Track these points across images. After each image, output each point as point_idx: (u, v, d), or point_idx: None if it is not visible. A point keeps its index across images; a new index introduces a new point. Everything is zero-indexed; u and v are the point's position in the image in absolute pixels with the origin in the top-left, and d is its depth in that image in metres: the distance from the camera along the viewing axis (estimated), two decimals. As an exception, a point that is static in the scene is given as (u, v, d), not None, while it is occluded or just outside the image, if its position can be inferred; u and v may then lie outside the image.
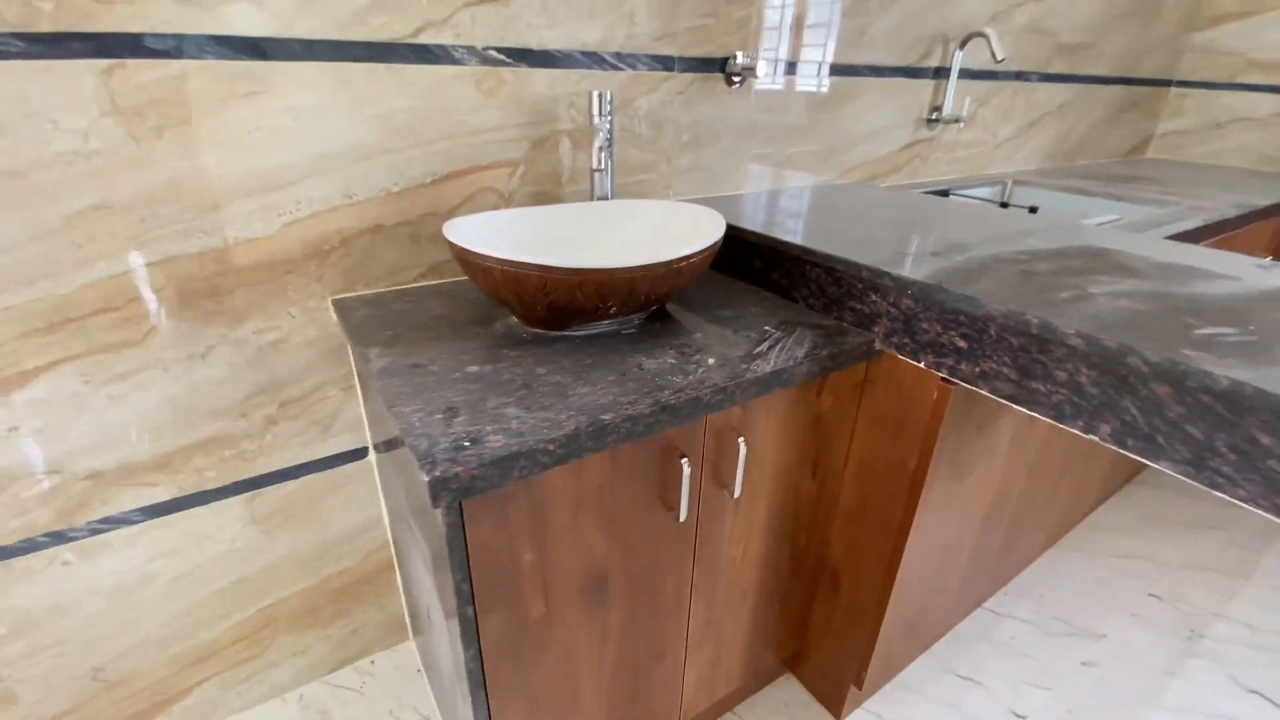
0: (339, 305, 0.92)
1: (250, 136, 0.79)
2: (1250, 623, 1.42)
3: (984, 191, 1.67)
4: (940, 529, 1.02)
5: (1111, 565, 1.56)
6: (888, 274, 0.82)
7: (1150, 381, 0.60)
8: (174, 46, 0.72)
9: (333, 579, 1.14)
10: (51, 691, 0.95)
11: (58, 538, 0.87)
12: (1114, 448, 0.65)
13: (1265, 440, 0.54)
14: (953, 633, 1.36)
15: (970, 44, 1.51)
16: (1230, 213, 1.36)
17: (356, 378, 1.00)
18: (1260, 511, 0.56)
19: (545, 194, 1.06)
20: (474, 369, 0.72)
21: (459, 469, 0.54)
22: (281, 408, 0.96)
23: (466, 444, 0.58)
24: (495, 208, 1.02)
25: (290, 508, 1.03)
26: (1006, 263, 0.86)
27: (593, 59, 1.01)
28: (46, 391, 0.79)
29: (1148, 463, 0.62)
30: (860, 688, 1.09)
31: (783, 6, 1.18)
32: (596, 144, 0.95)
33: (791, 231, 1.00)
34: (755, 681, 1.20)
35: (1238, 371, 0.55)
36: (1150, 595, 1.48)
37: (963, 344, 0.76)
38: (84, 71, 0.69)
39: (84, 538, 0.89)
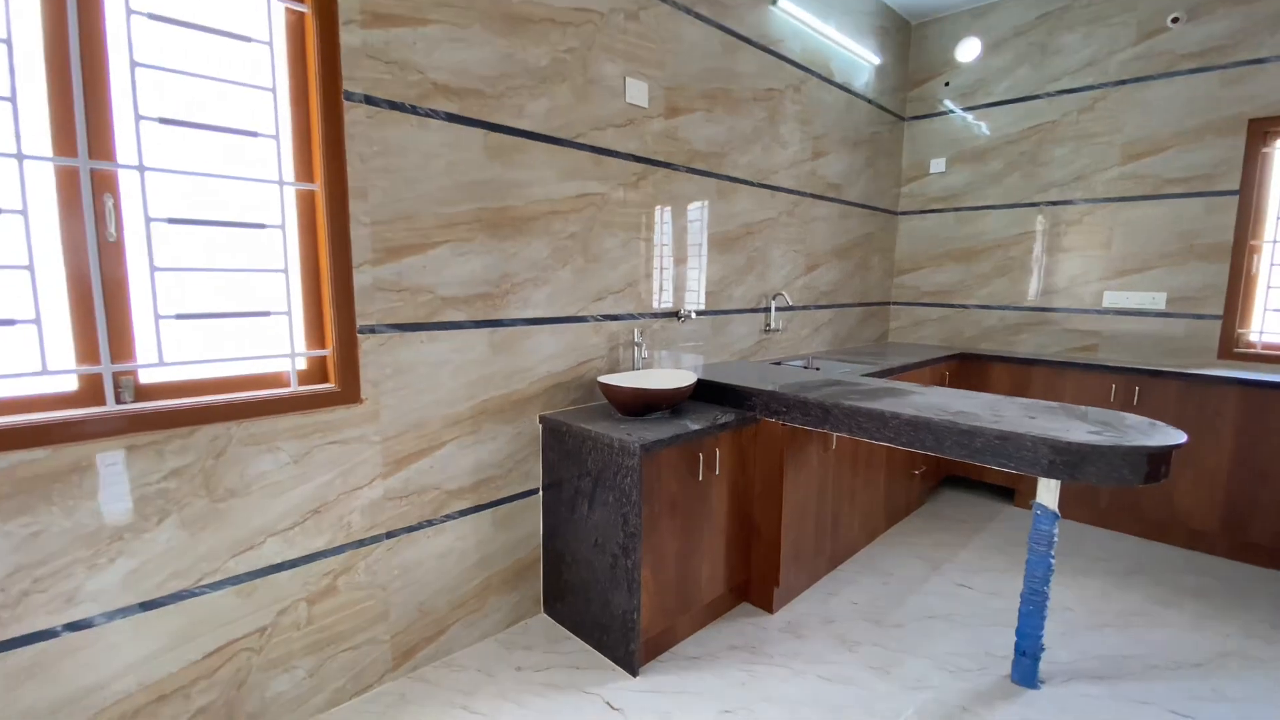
0: (543, 418, 2.17)
1: (528, 349, 2.11)
2: (964, 562, 2.80)
3: (797, 362, 3.27)
4: (797, 499, 2.34)
5: (898, 547, 2.92)
6: (759, 390, 2.25)
7: (834, 411, 2.03)
8: (512, 320, 2.06)
9: (515, 563, 2.20)
10: (402, 615, 1.92)
11: (429, 523, 1.95)
12: (829, 432, 2.06)
13: (865, 422, 1.97)
14: (823, 580, 2.61)
15: (777, 297, 3.20)
16: (898, 364, 3.03)
17: (541, 450, 2.21)
18: (863, 439, 1.97)
19: (612, 369, 2.42)
20: (622, 426, 2.02)
21: (645, 442, 1.83)
22: (515, 464, 2.14)
23: (642, 439, 1.86)
24: (597, 375, 2.35)
25: (507, 517, 2.15)
26: (801, 385, 2.33)
27: (631, 315, 2.46)
28: (446, 450, 1.95)
29: (833, 433, 2.03)
30: (779, 585, 2.30)
31: (704, 281, 2.75)
32: (643, 349, 2.37)
33: (719, 377, 2.43)
34: (728, 597, 2.35)
35: (855, 403, 2.00)
36: (916, 557, 2.84)
37: (784, 409, 2.18)
38: (484, 334, 2.00)
39: (439, 523, 1.97)
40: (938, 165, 4.12)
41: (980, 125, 3.89)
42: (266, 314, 1.63)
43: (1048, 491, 1.87)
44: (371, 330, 1.74)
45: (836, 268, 3.70)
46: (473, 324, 1.97)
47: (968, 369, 3.68)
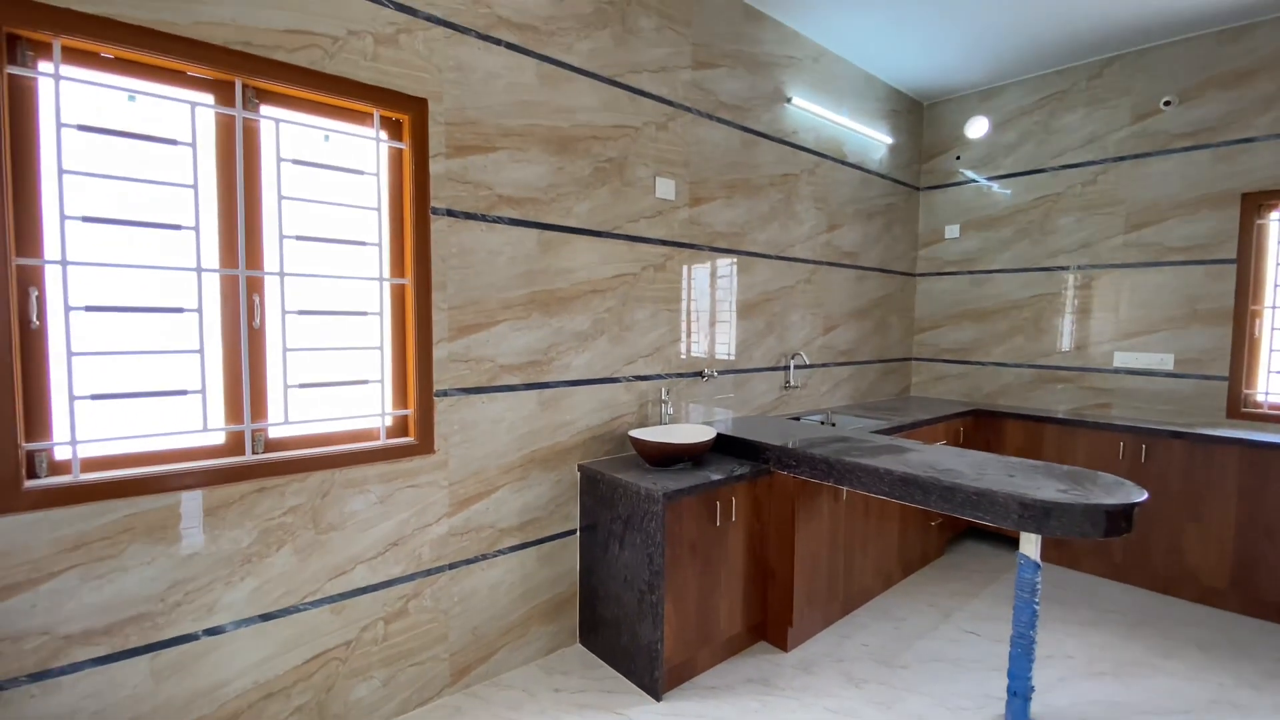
0: (581, 467, 2.51)
1: (570, 407, 2.47)
2: (974, 611, 2.95)
3: (815, 417, 3.53)
4: (809, 546, 2.59)
5: (912, 595, 3.10)
6: (772, 445, 2.54)
7: (837, 466, 2.30)
8: (557, 382, 2.43)
9: (555, 596, 2.50)
10: (459, 637, 2.24)
11: (483, 557, 2.28)
12: (833, 485, 2.32)
13: (863, 477, 2.23)
14: (836, 623, 2.81)
15: (795, 356, 3.50)
16: (911, 420, 3.26)
17: (579, 495, 2.54)
18: (862, 491, 2.23)
19: (641, 423, 2.75)
20: (649, 476, 2.33)
21: (668, 491, 2.14)
22: (557, 507, 2.47)
23: (665, 488, 2.17)
24: (628, 429, 2.68)
25: (549, 555, 2.47)
26: (811, 441, 2.61)
27: (658, 376, 2.80)
28: (500, 494, 2.30)
29: (841, 487, 2.29)
30: (793, 625, 2.53)
31: (726, 343, 3.08)
32: (669, 406, 2.70)
33: (737, 432, 2.73)
34: (746, 635, 2.58)
35: (856, 459, 2.27)
36: (929, 605, 3.01)
37: (794, 463, 2.45)
38: (534, 395, 2.37)
39: (492, 557, 2.30)
40: (952, 231, 4.39)
41: (1006, 192, 4.15)
42: (364, 382, 2.03)
43: (1030, 544, 2.08)
44: (444, 394, 2.13)
45: (855, 327, 3.99)
46: (524, 386, 2.34)
47: (984, 425, 3.86)
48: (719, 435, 2.73)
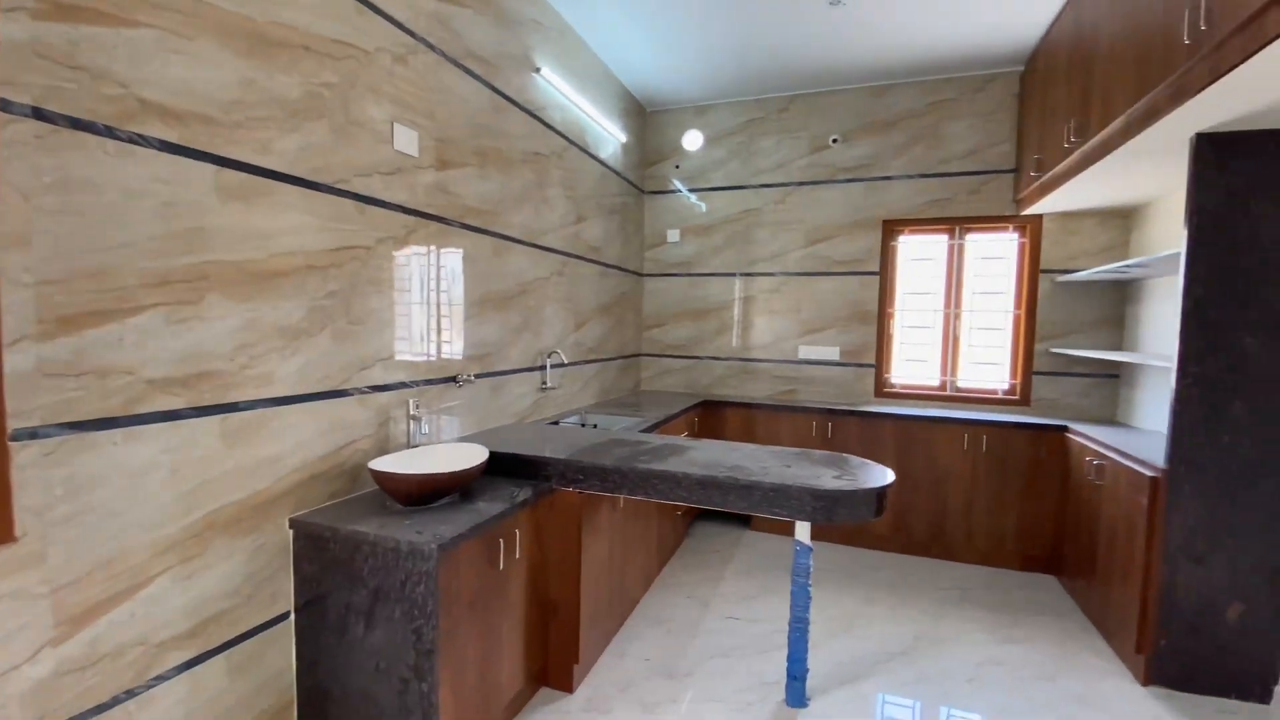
0: (294, 522, 1.75)
1: (275, 436, 1.69)
2: (726, 594, 3.08)
3: (573, 419, 3.29)
4: (593, 566, 2.31)
5: (670, 591, 3.09)
6: (554, 459, 2.17)
7: (630, 475, 2.07)
8: (253, 402, 1.63)
9: (260, 715, 1.70)
10: (72, 846, 1.31)
11: (129, 694, 1.38)
12: (622, 496, 2.09)
13: (659, 484, 2.04)
14: (614, 639, 2.60)
15: (552, 355, 3.19)
16: (662, 416, 3.27)
17: (293, 563, 1.77)
18: (659, 500, 2.04)
19: (382, 449, 2.09)
20: (406, 521, 1.74)
21: (442, 539, 1.60)
22: (256, 587, 1.67)
23: (437, 535, 1.63)
24: (365, 459, 2.00)
25: (248, 659, 1.65)
26: (592, 449, 2.32)
27: (404, 384, 2.17)
28: (155, 587, 1.42)
29: (624, 496, 2.07)
30: (578, 661, 2.22)
31: (482, 341, 2.58)
32: (420, 423, 2.09)
33: (504, 447, 2.29)
34: (527, 689, 2.17)
35: (649, 465, 2.06)
36: (687, 597, 3.04)
37: (580, 477, 2.14)
38: (213, 424, 1.54)
39: (144, 690, 1.41)
40: (673, 235, 4.64)
41: (701, 206, 4.52)
42: None
43: (802, 530, 2.18)
44: (32, 435, 1.20)
45: (600, 324, 3.87)
46: (194, 411, 1.50)
47: (709, 414, 4.15)
48: (491, 454, 2.25)
